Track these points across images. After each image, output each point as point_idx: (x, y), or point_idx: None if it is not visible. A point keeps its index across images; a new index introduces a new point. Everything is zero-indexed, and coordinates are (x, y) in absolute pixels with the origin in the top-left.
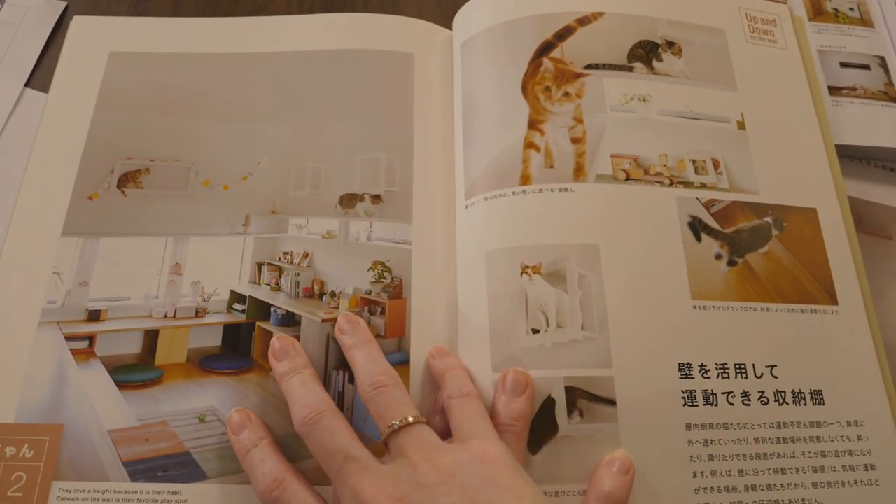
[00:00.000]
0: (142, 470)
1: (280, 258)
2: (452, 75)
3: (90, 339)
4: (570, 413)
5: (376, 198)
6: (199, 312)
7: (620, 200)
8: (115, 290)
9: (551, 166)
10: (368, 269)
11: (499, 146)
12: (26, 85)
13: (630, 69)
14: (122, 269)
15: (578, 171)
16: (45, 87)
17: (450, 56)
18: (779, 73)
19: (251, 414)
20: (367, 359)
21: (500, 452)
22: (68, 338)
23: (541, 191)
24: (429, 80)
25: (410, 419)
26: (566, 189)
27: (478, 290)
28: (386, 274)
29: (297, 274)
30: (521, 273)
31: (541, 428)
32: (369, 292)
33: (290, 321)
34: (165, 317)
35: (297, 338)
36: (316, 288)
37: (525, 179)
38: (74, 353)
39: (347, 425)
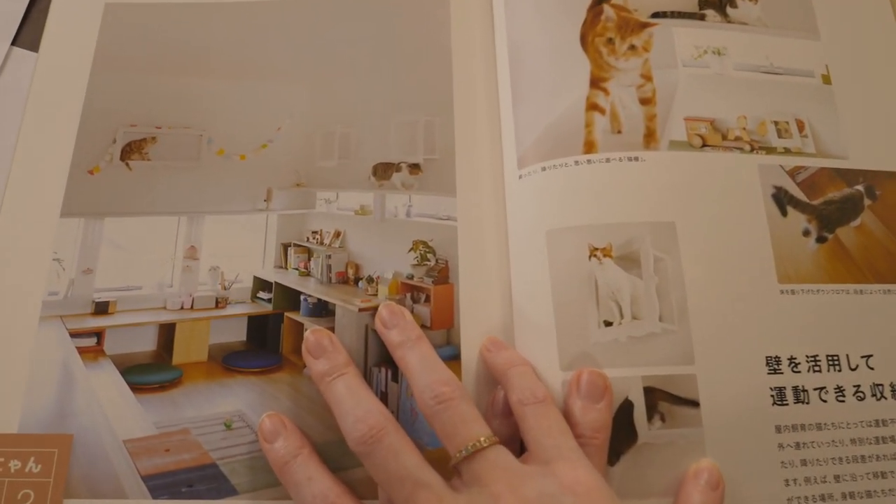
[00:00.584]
0: (163, 485)
1: (308, 238)
2: (493, 21)
3: (98, 335)
4: (650, 418)
5: (415, 167)
6: (219, 303)
7: (697, 170)
8: (124, 279)
9: (619, 131)
10: (409, 250)
11: (556, 107)
12: (13, 44)
13: (702, 17)
14: (131, 253)
15: (649, 138)
16: (34, 46)
17: None
18: (866, 16)
19: (285, 419)
20: (422, 363)
21: (594, 481)
22: (74, 334)
23: (608, 160)
24: (468, 27)
25: (484, 441)
26: (636, 158)
27: (538, 274)
28: (429, 255)
29: (329, 256)
30: (590, 256)
31: (618, 435)
32: (411, 276)
33: (322, 311)
34: (182, 308)
35: (332, 330)
36: (350, 272)
37: (589, 147)
38: (81, 351)
39: (411, 443)
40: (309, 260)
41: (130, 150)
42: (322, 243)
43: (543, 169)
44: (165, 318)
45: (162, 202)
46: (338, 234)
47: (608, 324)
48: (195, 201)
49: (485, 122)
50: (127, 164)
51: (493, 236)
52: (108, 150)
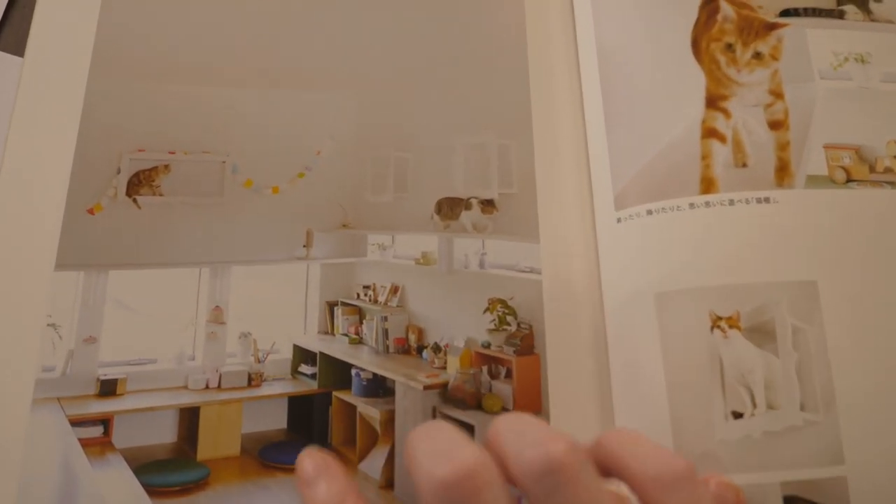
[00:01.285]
0: None
1: (359, 295)
2: (574, 22)
3: (105, 422)
4: None
5: (488, 204)
6: (252, 380)
7: (842, 213)
8: (136, 349)
9: (743, 164)
10: (485, 311)
11: (663, 133)
12: None
13: (840, 14)
14: (143, 316)
15: (782, 172)
16: (18, 49)
17: None
18: None
19: (329, 459)
20: None
21: None
22: (75, 421)
23: (731, 202)
24: (547, 28)
25: None
26: (766, 199)
27: (645, 349)
28: (509, 318)
29: (385, 318)
30: (712, 327)
31: None
32: (488, 345)
33: (378, 389)
34: (207, 388)
35: (391, 413)
36: (412, 338)
37: (708, 185)
38: (85, 444)
39: None
40: (361, 323)
41: (139, 183)
42: (376, 301)
43: (649, 212)
44: (187, 400)
45: (179, 249)
46: (395, 290)
47: (737, 415)
48: (219, 248)
49: (570, 148)
50: (135, 201)
51: (586, 295)
52: (112, 182)
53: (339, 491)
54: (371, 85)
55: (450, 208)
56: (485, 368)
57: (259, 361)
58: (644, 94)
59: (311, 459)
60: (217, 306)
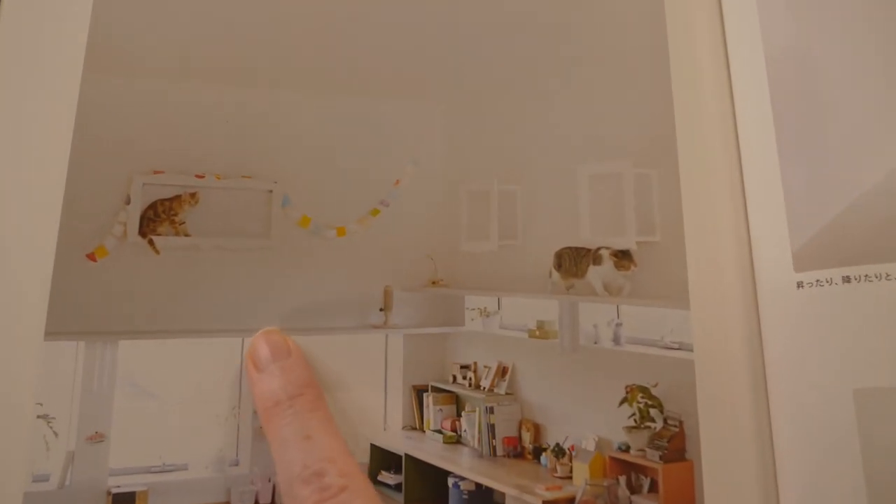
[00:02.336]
0: None
1: (455, 377)
2: (722, 20)
3: None
4: None
5: (623, 257)
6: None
7: None
8: (159, 451)
9: None
10: (621, 402)
11: (868, 171)
12: None
13: None
14: (167, 404)
15: None
16: None
17: None
18: None
19: (291, 342)
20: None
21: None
22: None
23: None
24: (690, 27)
25: None
26: None
27: (837, 465)
28: (653, 412)
29: (491, 409)
30: None
31: None
32: (626, 447)
33: (486, 502)
34: (257, 503)
35: None
36: (527, 437)
37: None
38: None
39: None
40: (458, 416)
41: (156, 217)
42: (478, 387)
43: (847, 279)
44: None
45: (213, 311)
46: (503, 372)
47: None
48: (267, 310)
49: (725, 183)
50: (151, 243)
51: (755, 382)
52: (119, 216)
53: (297, 383)
54: (464, 93)
55: (573, 262)
56: (622, 479)
57: None
58: (839, 117)
59: (268, 338)
60: None
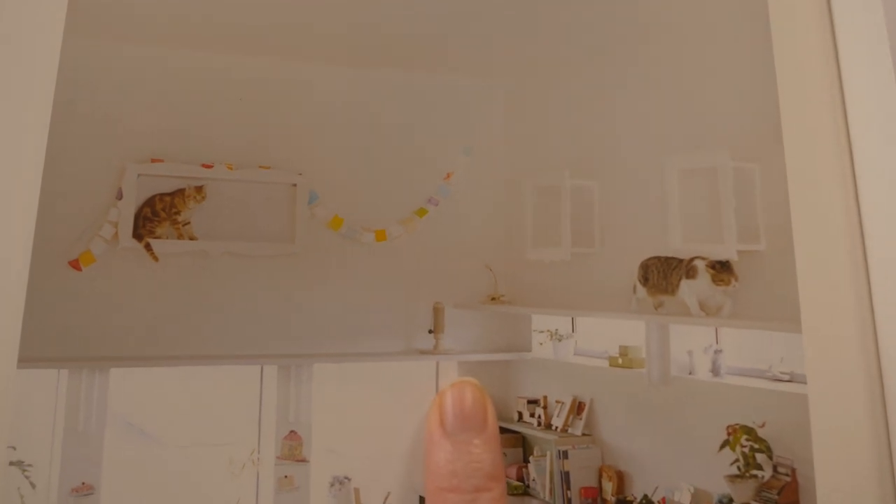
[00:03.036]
0: None
1: (521, 415)
2: (829, 4)
3: None
4: None
5: (722, 269)
6: None
7: None
8: None
9: None
10: (722, 446)
11: None
12: None
13: None
14: (169, 448)
15: None
16: None
17: None
18: None
19: (490, 408)
20: None
21: None
22: None
23: None
24: (793, 12)
25: None
26: None
27: None
28: (760, 457)
29: (565, 454)
30: None
31: None
32: (728, 501)
33: None
34: None
35: None
36: (608, 487)
37: None
38: None
39: None
40: (526, 462)
41: (153, 216)
42: (549, 426)
43: None
44: None
45: (225, 333)
46: (579, 409)
47: None
48: (292, 331)
49: (835, 181)
50: (147, 248)
51: (872, 418)
52: (109, 215)
53: (488, 470)
54: (531, 69)
55: (662, 275)
56: None
57: None
58: None
59: (464, 397)
60: (293, 431)
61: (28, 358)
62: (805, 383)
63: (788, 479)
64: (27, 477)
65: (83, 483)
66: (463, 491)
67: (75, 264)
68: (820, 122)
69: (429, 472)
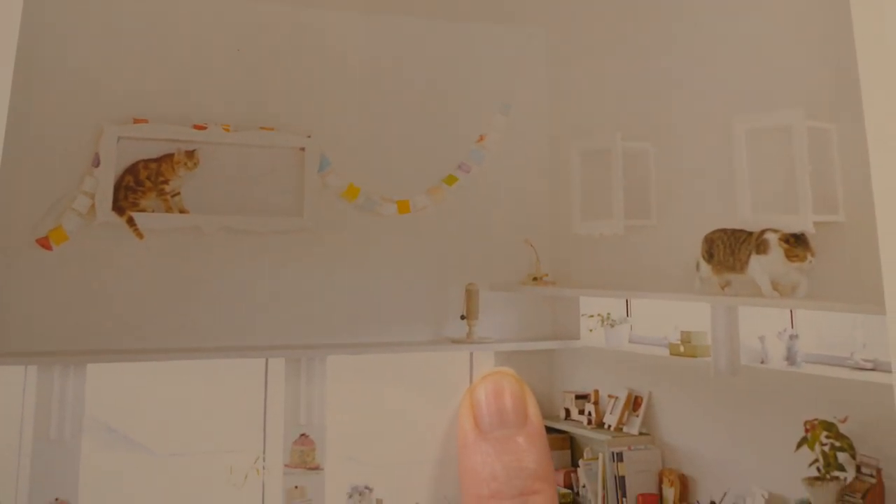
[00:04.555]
0: None
1: (569, 412)
2: None
3: None
4: None
5: (797, 243)
6: None
7: None
8: None
9: None
10: (799, 444)
11: None
12: None
13: None
14: (157, 456)
15: None
16: None
17: None
18: None
19: (532, 402)
20: None
21: None
22: None
23: None
24: None
25: None
26: None
27: None
28: (842, 456)
29: (619, 456)
30: None
31: None
32: None
33: None
34: None
35: None
36: (670, 493)
37: None
38: None
39: None
40: (574, 466)
41: (137, 186)
42: (601, 425)
43: None
44: None
45: (220, 320)
46: (636, 404)
47: None
48: (302, 319)
49: None
50: (130, 223)
51: None
52: (84, 184)
53: (534, 470)
54: (577, 15)
55: (729, 251)
56: None
57: None
58: None
59: (502, 392)
60: (304, 435)
61: None
62: (890, 372)
63: (874, 480)
64: None
65: (56, 499)
66: (506, 496)
67: (44, 243)
68: None
69: (465, 479)
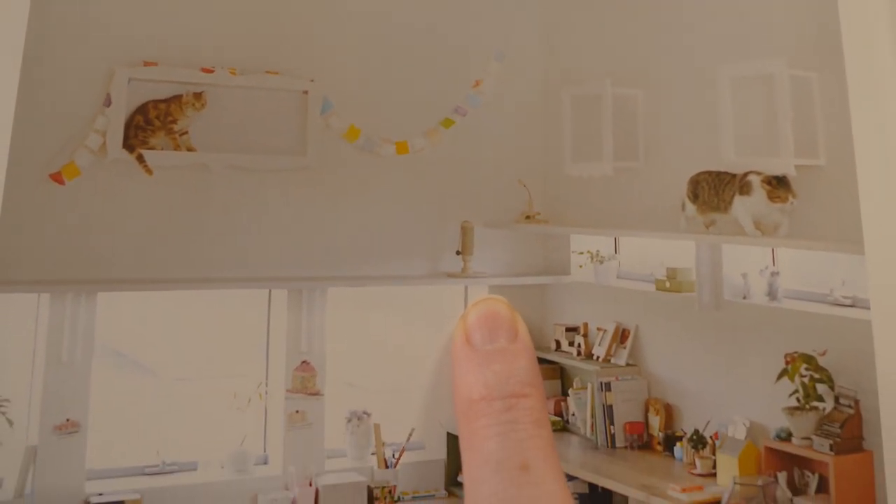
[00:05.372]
0: None
1: (559, 343)
2: None
3: None
4: None
5: (779, 184)
6: (376, 499)
7: None
8: (156, 444)
9: None
10: (779, 376)
11: None
12: None
13: None
14: (163, 380)
15: None
16: None
17: None
18: None
19: (519, 321)
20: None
21: None
22: None
23: None
24: None
25: None
26: None
27: None
28: (821, 388)
29: (607, 386)
30: None
31: None
32: (786, 435)
33: None
34: None
35: None
36: (656, 422)
37: None
38: None
39: None
40: (564, 395)
41: (147, 125)
42: (590, 356)
43: None
44: None
45: (227, 253)
46: (623, 336)
47: None
48: (304, 252)
49: None
50: (140, 160)
51: None
52: (96, 123)
53: (518, 379)
54: None
55: (714, 192)
56: (782, 476)
57: (387, 465)
58: None
59: (490, 311)
60: (305, 362)
61: (2, 280)
62: (868, 308)
63: (851, 411)
64: (3, 413)
65: (67, 419)
66: (495, 398)
67: (57, 177)
68: (881, 28)
69: (457, 389)
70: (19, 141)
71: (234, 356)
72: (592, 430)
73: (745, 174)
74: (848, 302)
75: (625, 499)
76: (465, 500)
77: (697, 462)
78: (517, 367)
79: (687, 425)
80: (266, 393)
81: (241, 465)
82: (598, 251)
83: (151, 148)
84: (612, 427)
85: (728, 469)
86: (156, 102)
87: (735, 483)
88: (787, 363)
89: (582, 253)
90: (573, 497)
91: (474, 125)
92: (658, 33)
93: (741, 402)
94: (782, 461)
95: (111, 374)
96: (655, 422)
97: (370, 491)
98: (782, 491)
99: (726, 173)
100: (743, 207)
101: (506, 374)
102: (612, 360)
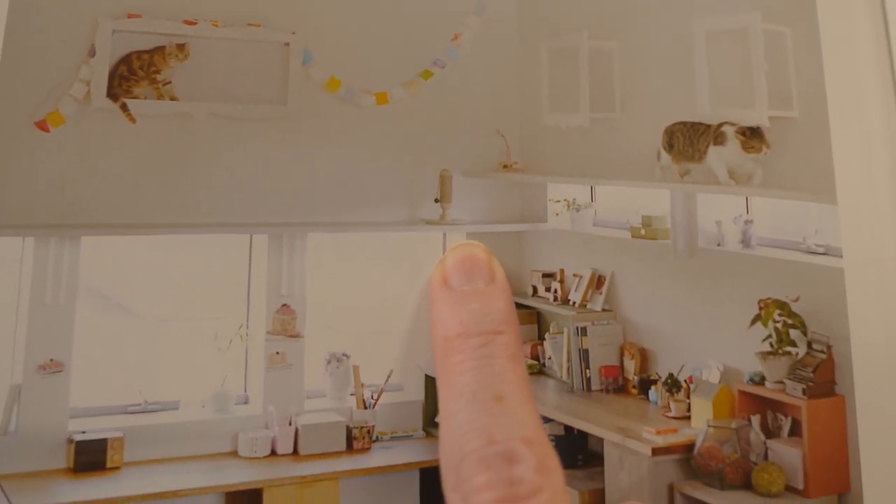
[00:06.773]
0: None
1: (536, 289)
2: None
3: None
4: None
5: (753, 135)
6: (355, 440)
7: None
8: (137, 384)
9: None
10: (753, 321)
11: None
12: None
13: None
14: (146, 320)
15: None
16: None
17: None
18: None
19: (496, 265)
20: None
21: None
22: None
23: None
24: None
25: None
26: None
27: None
28: (794, 333)
29: (583, 331)
30: None
31: None
32: (760, 379)
33: (576, 454)
34: (274, 454)
35: (600, 493)
36: (631, 366)
37: None
38: None
39: None
40: (541, 339)
41: (130, 75)
42: (566, 301)
43: None
44: (239, 477)
45: (209, 199)
46: (599, 282)
47: None
48: (284, 198)
49: (871, 46)
50: (124, 108)
51: None
52: (80, 73)
53: (495, 318)
54: None
55: (689, 142)
56: (756, 419)
57: (365, 406)
58: None
59: (467, 254)
60: (285, 305)
61: None
62: (841, 256)
63: (824, 356)
64: None
65: (51, 360)
66: (472, 335)
67: (42, 125)
68: None
69: (435, 328)
70: (5, 90)
71: (215, 299)
72: (568, 374)
73: (720, 125)
74: (821, 250)
75: (599, 441)
76: (439, 434)
77: (672, 405)
78: (494, 307)
79: (662, 369)
80: (247, 334)
81: (222, 404)
82: (574, 199)
83: (135, 97)
84: (587, 371)
85: (702, 412)
86: (139, 53)
87: (709, 426)
88: (760, 309)
89: (559, 201)
90: (549, 438)
91: (453, 77)
92: None
93: (715, 346)
94: (756, 405)
95: (95, 316)
96: (631, 366)
97: (349, 430)
98: (756, 434)
99: (701, 124)
100: (717, 157)
101: (482, 312)
102: (588, 306)
